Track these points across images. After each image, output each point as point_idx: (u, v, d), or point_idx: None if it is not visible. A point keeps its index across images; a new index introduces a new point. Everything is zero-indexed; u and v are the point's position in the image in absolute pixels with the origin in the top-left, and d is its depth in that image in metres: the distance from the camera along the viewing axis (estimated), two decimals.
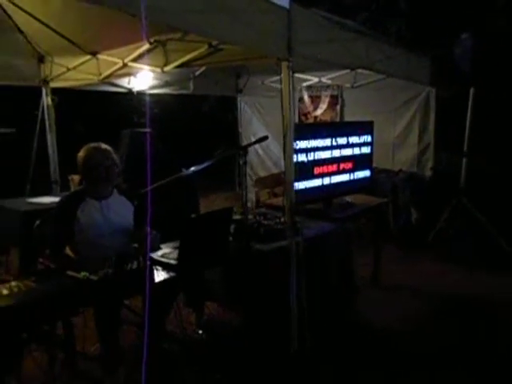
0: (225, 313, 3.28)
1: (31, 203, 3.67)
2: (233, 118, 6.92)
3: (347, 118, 5.73)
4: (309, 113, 6.04)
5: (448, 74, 4.79)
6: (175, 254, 2.39)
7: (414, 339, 3.12)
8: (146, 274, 2.05)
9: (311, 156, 3.32)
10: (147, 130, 4.33)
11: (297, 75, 5.53)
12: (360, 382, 2.68)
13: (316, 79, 5.65)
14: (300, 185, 3.23)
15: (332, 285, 3.34)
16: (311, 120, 5.99)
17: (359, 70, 4.58)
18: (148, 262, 2.17)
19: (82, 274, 2.03)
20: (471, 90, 4.82)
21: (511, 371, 2.74)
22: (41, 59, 3.86)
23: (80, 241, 2.44)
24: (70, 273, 2.08)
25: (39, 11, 2.89)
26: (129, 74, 3.99)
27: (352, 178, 3.73)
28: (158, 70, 3.24)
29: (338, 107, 5.77)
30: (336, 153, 3.53)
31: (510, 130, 5.33)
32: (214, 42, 2.74)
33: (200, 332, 3.06)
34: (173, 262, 2.38)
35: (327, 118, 5.88)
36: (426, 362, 2.84)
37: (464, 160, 5.02)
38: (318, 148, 3.36)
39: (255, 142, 2.92)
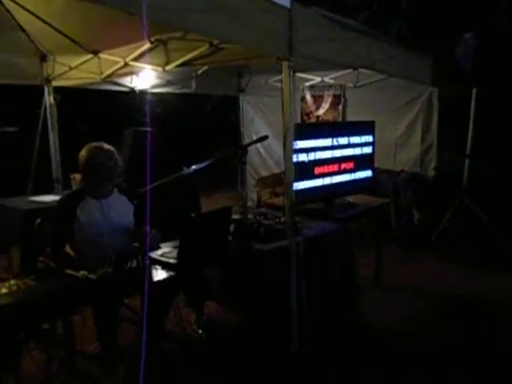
0: (225, 312, 3.28)
1: (33, 202, 3.69)
2: (235, 117, 6.91)
3: (349, 118, 5.71)
4: (311, 112, 6.03)
5: (450, 74, 4.76)
6: (175, 254, 2.39)
7: (416, 339, 3.11)
8: (145, 273, 2.05)
9: (312, 156, 3.31)
10: (149, 129, 4.33)
11: (299, 75, 5.54)
12: (361, 382, 2.67)
13: (318, 79, 5.65)
14: (301, 185, 3.23)
15: (333, 285, 3.33)
16: (313, 120, 5.97)
17: (361, 70, 4.57)
18: (147, 262, 2.18)
19: (81, 272, 2.03)
20: (473, 91, 4.80)
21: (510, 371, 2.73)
22: (43, 58, 3.87)
23: (80, 240, 2.45)
24: (69, 271, 2.08)
25: (41, 10, 2.90)
26: (131, 73, 3.99)
27: (353, 178, 3.72)
28: (160, 69, 3.24)
29: (341, 107, 5.76)
30: (337, 153, 3.52)
31: None
32: (215, 42, 2.74)
33: (200, 331, 3.06)
34: (172, 261, 2.38)
35: (329, 117, 5.87)
36: (428, 362, 2.83)
37: (467, 160, 5.00)
38: (319, 148, 3.35)
39: (254, 142, 2.92)
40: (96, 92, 5.04)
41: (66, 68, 3.76)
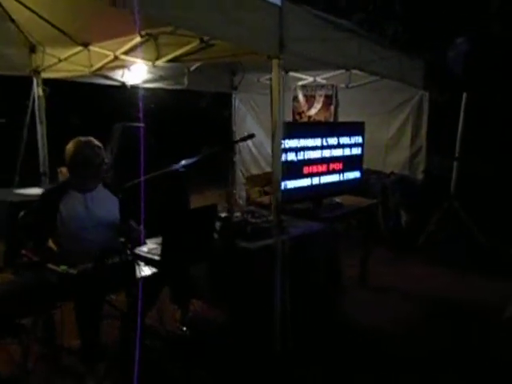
0: (210, 310, 3.27)
1: (18, 194, 3.65)
2: (228, 115, 6.90)
3: (341, 119, 5.72)
4: (303, 112, 6.02)
5: (441, 78, 4.79)
6: (160, 250, 2.38)
7: (402, 341, 3.12)
8: (127, 269, 2.03)
9: (301, 155, 3.30)
10: (139, 124, 4.30)
11: (292, 74, 5.55)
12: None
13: (311, 78, 5.64)
14: (289, 184, 3.23)
15: (319, 284, 3.33)
16: (305, 119, 5.97)
17: (354, 71, 4.57)
18: (130, 257, 2.16)
19: (62, 267, 2.01)
20: (464, 95, 4.83)
21: (501, 373, 2.74)
22: (32, 49, 3.81)
23: (62, 234, 2.42)
24: (50, 266, 2.06)
25: (30, 0, 2.86)
26: (121, 67, 3.94)
27: (342, 178, 3.72)
28: (150, 63, 3.21)
29: (332, 107, 5.76)
30: (326, 153, 3.52)
31: (502, 134, 5.35)
32: (206, 38, 2.71)
33: (184, 329, 3.05)
34: (156, 257, 2.37)
35: (321, 117, 5.87)
36: (414, 365, 2.84)
37: (455, 163, 5.04)
38: (308, 147, 3.35)
39: (241, 140, 2.91)
40: (86, 85, 4.98)
41: (56, 60, 3.71)
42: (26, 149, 4.26)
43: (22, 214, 2.64)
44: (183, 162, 2.94)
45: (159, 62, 3.16)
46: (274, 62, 2.49)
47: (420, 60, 4.59)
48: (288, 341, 2.73)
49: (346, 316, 3.46)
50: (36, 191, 3.65)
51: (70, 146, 2.50)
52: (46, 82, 4.11)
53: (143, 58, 3.24)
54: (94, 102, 8.40)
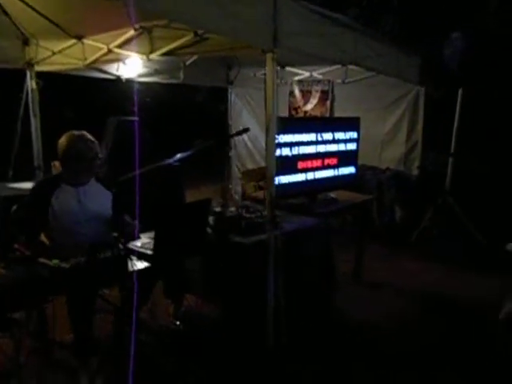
0: (203, 305, 3.27)
1: (12, 188, 3.63)
2: (224, 109, 6.88)
3: (337, 114, 5.71)
4: (299, 107, 6.01)
5: (437, 74, 4.79)
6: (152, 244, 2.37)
7: (397, 337, 3.12)
8: (119, 264, 2.03)
9: (295, 150, 3.29)
10: (134, 118, 4.27)
11: (288, 69, 5.53)
12: (332, 378, 2.68)
13: (307, 73, 5.63)
14: (283, 179, 3.22)
15: (312, 280, 3.34)
16: (301, 114, 5.96)
17: (350, 66, 4.55)
18: (122, 252, 2.15)
19: (54, 261, 2.00)
20: (459, 91, 4.84)
21: (496, 370, 2.75)
22: (25, 42, 3.78)
23: (55, 227, 2.41)
24: (42, 260, 2.05)
25: None
26: (115, 61, 3.91)
27: (336, 174, 3.71)
28: (144, 57, 3.19)
29: (329, 103, 5.75)
30: (321, 148, 3.51)
31: (498, 130, 5.36)
32: (200, 31, 2.70)
33: (178, 323, 3.05)
34: (149, 252, 2.36)
35: (317, 113, 5.86)
36: (410, 361, 2.84)
37: (450, 159, 5.05)
38: (303, 142, 3.34)
39: (235, 134, 2.90)
40: (81, 79, 4.95)
41: (49, 53, 3.68)
42: (19, 142, 4.23)
43: (14, 208, 2.62)
44: (178, 156, 2.93)
45: (153, 56, 3.14)
46: (268, 56, 2.47)
47: (416, 56, 4.58)
48: (282, 336, 2.74)
49: (340, 311, 3.47)
50: (30, 185, 3.62)
51: (62, 140, 2.48)
52: (44, 76, 4.09)
53: (137, 52, 3.22)
54: (88, 96, 8.36)
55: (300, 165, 3.37)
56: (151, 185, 3.12)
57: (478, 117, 5.32)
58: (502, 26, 5.27)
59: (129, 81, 4.97)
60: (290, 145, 3.25)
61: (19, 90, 4.13)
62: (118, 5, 2.06)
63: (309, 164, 3.44)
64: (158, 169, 2.92)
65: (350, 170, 3.85)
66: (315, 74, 5.59)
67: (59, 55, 3.66)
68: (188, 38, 2.83)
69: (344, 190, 3.94)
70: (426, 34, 5.77)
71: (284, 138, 3.17)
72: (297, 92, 6.00)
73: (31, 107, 4.05)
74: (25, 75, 4.00)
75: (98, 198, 2.54)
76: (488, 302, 3.50)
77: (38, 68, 3.96)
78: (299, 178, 3.39)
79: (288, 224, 2.94)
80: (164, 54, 3.12)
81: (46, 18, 3.00)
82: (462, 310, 3.54)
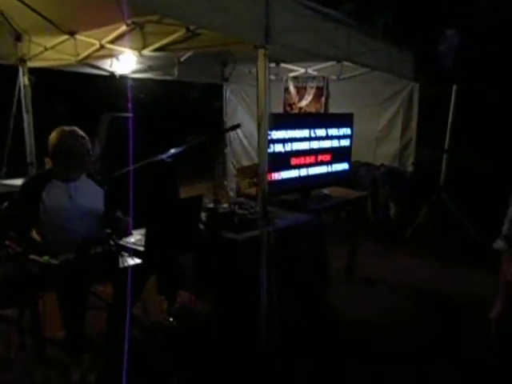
0: (197, 301, 3.27)
1: (4, 185, 3.62)
2: (219, 106, 6.86)
3: (332, 110, 5.70)
4: (294, 104, 6.00)
5: (431, 70, 4.79)
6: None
7: (391, 333, 3.13)
8: (110, 260, 2.02)
9: (288, 146, 3.29)
10: (128, 114, 4.26)
11: (283, 65, 5.52)
12: (321, 376, 2.68)
13: (302, 70, 5.62)
14: (276, 175, 3.22)
15: (305, 276, 3.34)
16: (296, 111, 5.95)
17: (345, 63, 4.55)
18: (113, 248, 2.14)
19: (44, 258, 1.99)
20: (454, 87, 4.84)
21: (491, 366, 2.76)
22: (18, 37, 3.75)
23: (46, 224, 2.40)
24: (32, 257, 2.05)
25: None
26: (108, 56, 3.89)
27: (330, 170, 3.71)
28: (136, 52, 3.17)
29: (323, 99, 5.74)
30: (314, 144, 3.51)
31: (492, 127, 5.38)
32: (192, 27, 2.68)
33: (171, 320, 3.05)
34: (141, 248, 2.36)
35: (312, 109, 5.85)
36: (404, 358, 2.84)
37: (445, 156, 5.06)
38: (296, 139, 3.33)
39: (227, 130, 2.89)
40: (75, 75, 4.92)
41: (42, 48, 3.66)
42: (12, 139, 4.20)
43: (5, 204, 2.61)
44: (172, 151, 2.92)
45: (146, 51, 3.12)
46: (260, 52, 2.46)
47: (410, 52, 4.58)
48: (274, 332, 2.74)
49: (334, 307, 3.47)
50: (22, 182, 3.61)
51: (53, 136, 2.47)
52: (37, 72, 4.06)
53: (129, 47, 3.20)
54: (82, 92, 8.32)
55: (293, 161, 3.36)
56: (144, 181, 3.11)
57: (473, 113, 5.34)
58: (494, 22, 5.28)
59: (122, 77, 4.94)
60: (283, 141, 3.24)
61: (11, 87, 4.10)
62: (110, 0, 2.05)
63: (302, 160, 3.43)
64: (150, 165, 2.91)
65: (344, 166, 3.85)
66: (310, 71, 5.58)
67: (52, 51, 3.64)
68: (180, 33, 2.82)
69: (338, 187, 3.94)
70: (420, 31, 5.78)
71: (277, 135, 3.17)
72: (292, 88, 5.98)
73: (24, 103, 4.03)
74: (17, 71, 3.98)
75: (90, 194, 2.53)
76: (482, 298, 3.50)
77: (30, 64, 3.94)
78: (292, 174, 3.38)
79: (281, 220, 2.94)
80: (156, 50, 3.10)
81: (39, 14, 2.98)
82: (456, 306, 3.55)
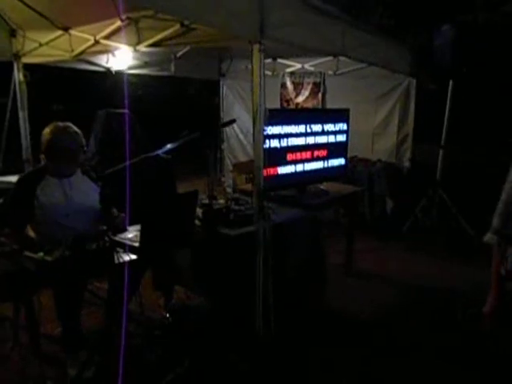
0: (193, 297, 3.27)
1: (0, 182, 3.60)
2: (217, 101, 6.84)
3: (329, 106, 5.70)
4: (291, 99, 6.00)
5: (427, 65, 4.78)
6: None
7: (387, 328, 3.13)
8: (105, 256, 2.02)
9: (284, 142, 3.28)
10: (124, 110, 4.24)
11: (280, 61, 5.51)
12: (316, 368, 2.69)
13: (299, 65, 5.61)
14: (272, 171, 3.21)
15: (301, 271, 3.35)
16: (293, 106, 5.95)
17: (341, 58, 4.54)
18: (107, 244, 2.14)
19: (39, 254, 1.99)
20: (450, 83, 4.83)
21: (487, 362, 2.77)
22: (12, 33, 3.73)
23: (41, 220, 2.39)
24: (27, 253, 2.04)
25: None
26: (103, 52, 3.86)
27: (326, 165, 3.70)
28: (131, 48, 3.16)
29: (320, 94, 5.73)
30: (310, 140, 3.50)
31: (488, 122, 5.38)
32: (186, 22, 2.67)
33: (167, 315, 3.05)
34: (136, 244, 2.36)
35: (309, 105, 5.85)
36: (400, 353, 2.84)
37: (441, 151, 5.07)
38: (292, 134, 3.32)
39: (222, 126, 2.88)
40: (71, 71, 4.90)
41: (36, 44, 3.63)
42: (8, 135, 4.19)
43: (0, 201, 2.60)
44: (168, 146, 2.90)
45: (140, 47, 3.11)
46: (255, 47, 2.46)
47: (406, 47, 4.57)
48: (271, 327, 2.75)
49: (330, 302, 3.49)
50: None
51: (46, 131, 2.46)
52: (31, 68, 4.04)
53: (124, 43, 3.19)
54: (78, 88, 8.28)
55: (289, 157, 3.35)
56: (139, 176, 3.11)
57: (469, 108, 5.33)
58: (491, 17, 5.27)
59: (119, 73, 4.93)
60: (279, 136, 3.23)
61: (7, 83, 4.08)
62: None
63: (298, 156, 3.42)
64: (146, 160, 2.90)
65: (340, 161, 3.84)
66: (307, 66, 5.57)
67: (46, 47, 3.62)
68: (175, 28, 2.81)
69: (334, 182, 3.94)
70: (414, 25, 5.76)
71: (273, 130, 3.16)
72: (288, 84, 5.98)
73: (19, 100, 4.02)
74: (12, 67, 3.96)
75: (84, 191, 2.52)
76: (478, 292, 3.53)
77: (25, 60, 3.92)
78: (288, 169, 3.38)
79: (277, 216, 2.94)
80: (151, 45, 3.10)
81: (32, 9, 2.96)
82: (452, 301, 3.56)
